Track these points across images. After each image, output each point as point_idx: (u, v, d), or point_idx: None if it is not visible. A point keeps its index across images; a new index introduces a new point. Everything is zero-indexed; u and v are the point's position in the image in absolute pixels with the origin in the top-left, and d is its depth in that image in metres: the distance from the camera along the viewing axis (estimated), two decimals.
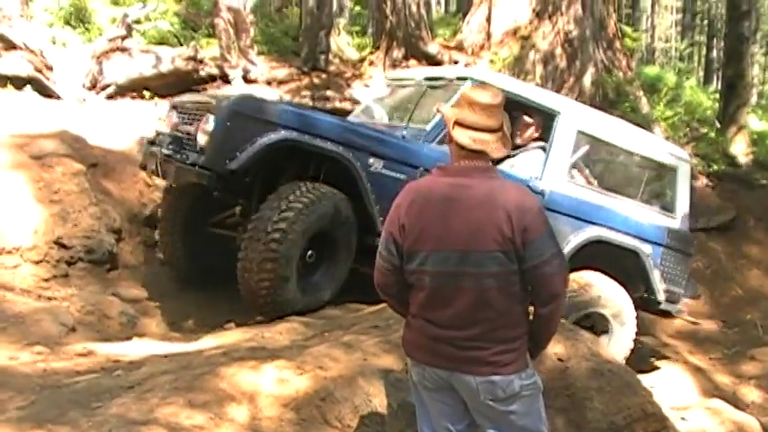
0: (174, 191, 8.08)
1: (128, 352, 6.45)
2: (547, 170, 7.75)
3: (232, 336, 6.04)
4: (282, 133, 6.60)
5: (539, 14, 14.35)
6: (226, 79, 12.66)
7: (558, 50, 14.10)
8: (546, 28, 14.23)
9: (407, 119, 7.61)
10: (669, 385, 8.59)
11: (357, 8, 21.07)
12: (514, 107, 7.66)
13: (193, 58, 12.41)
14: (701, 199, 12.94)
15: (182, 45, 13.38)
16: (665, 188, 8.85)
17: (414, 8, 14.53)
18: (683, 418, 6.67)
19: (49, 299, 7.33)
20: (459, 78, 7.65)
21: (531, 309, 3.53)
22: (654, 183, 8.90)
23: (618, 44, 15.26)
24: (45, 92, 10.95)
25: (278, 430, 4.29)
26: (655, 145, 8.80)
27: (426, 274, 3.42)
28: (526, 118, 7.96)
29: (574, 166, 8.07)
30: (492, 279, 3.32)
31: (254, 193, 7.07)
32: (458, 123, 3.48)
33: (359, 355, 4.83)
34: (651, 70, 21.10)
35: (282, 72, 13.59)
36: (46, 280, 7.62)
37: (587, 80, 13.96)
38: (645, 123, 12.79)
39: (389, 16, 14.54)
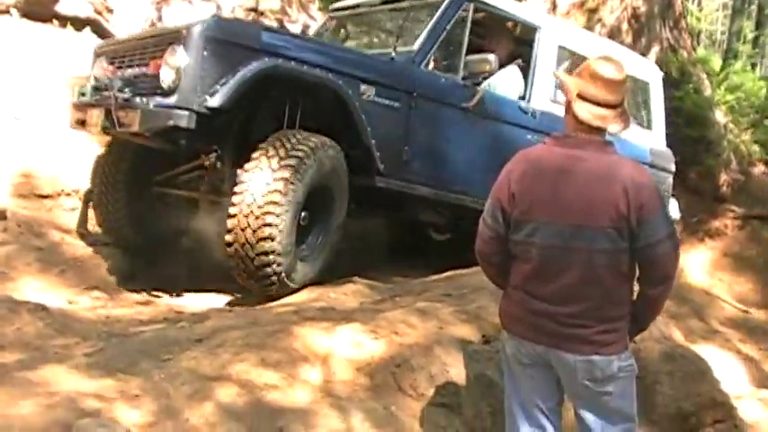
0: (110, 147, 7.09)
1: (186, 303, 6.43)
2: (534, 90, 7.45)
3: (299, 295, 5.94)
4: (267, 60, 5.81)
5: None
6: None
7: (625, 26, 13.80)
8: (614, 2, 13.90)
9: (395, 42, 6.87)
10: (720, 374, 8.46)
11: None
12: (492, 21, 7.63)
13: (254, 9, 12.31)
14: (758, 186, 12.74)
15: None
16: (639, 105, 8.65)
17: None
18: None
19: (106, 244, 7.28)
20: None
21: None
22: (630, 100, 8.55)
23: (683, 23, 14.93)
24: (104, 34, 10.85)
25: (351, 394, 4.20)
26: (628, 59, 8.25)
27: (534, 246, 3.30)
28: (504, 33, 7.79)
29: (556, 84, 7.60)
30: (602, 256, 3.20)
31: (228, 140, 6.22)
32: (579, 96, 3.34)
33: (435, 323, 4.73)
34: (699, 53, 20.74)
35: None
36: None
37: (652, 58, 13.67)
38: (707, 106, 12.57)
39: None
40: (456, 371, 4.35)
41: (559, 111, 7.09)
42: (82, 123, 6.54)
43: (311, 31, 10.69)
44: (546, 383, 3.45)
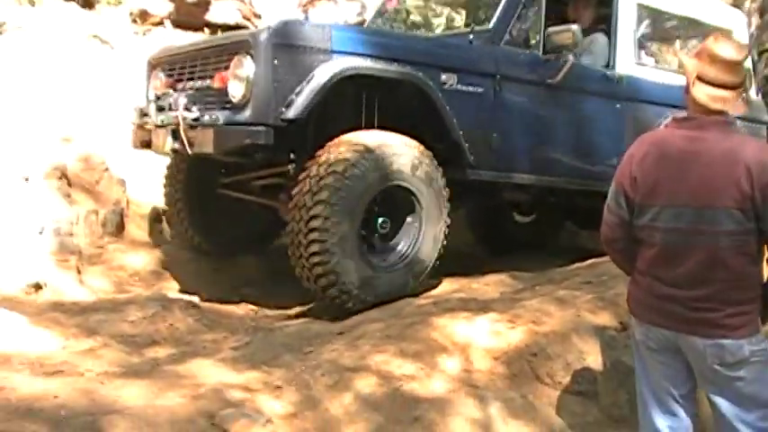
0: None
1: None
2: (617, 55, 6.99)
3: (441, 286, 6.01)
4: (341, 61, 5.46)
5: None
6: None
7: None
8: None
9: (471, 20, 6.62)
10: None
11: None
12: None
13: None
14: None
15: None
16: None
17: None
18: None
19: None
20: None
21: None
22: None
23: None
24: None
25: (488, 383, 4.23)
26: (710, 7, 7.97)
27: (657, 230, 3.26)
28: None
29: (639, 45, 7.30)
30: (727, 238, 3.13)
31: (305, 146, 5.71)
32: (699, 78, 3.29)
33: (572, 311, 4.70)
34: None
35: None
36: None
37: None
38: None
39: None
40: (593, 358, 4.33)
41: (645, 73, 7.04)
42: (147, 145, 6.18)
43: (369, 12, 10.26)
44: (677, 370, 3.40)
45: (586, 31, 6.94)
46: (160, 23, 10.70)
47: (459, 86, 5.94)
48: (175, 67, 6.28)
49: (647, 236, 3.31)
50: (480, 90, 6.06)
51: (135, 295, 5.79)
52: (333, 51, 5.46)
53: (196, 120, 5.51)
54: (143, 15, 10.85)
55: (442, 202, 5.80)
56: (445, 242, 5.84)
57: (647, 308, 3.38)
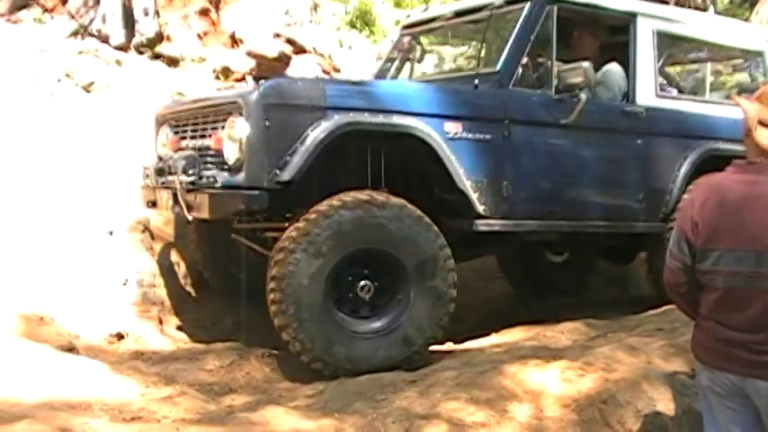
0: None
1: None
2: (636, 87, 6.66)
3: (514, 334, 6.03)
4: (337, 119, 5.27)
5: None
6: None
7: None
8: None
9: (477, 62, 6.40)
10: None
11: None
12: (582, 20, 6.74)
13: None
14: None
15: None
16: (755, 78, 7.73)
17: (698, 0, 13.89)
18: None
19: None
20: (509, 2, 6.33)
21: None
22: (742, 73, 8.01)
23: None
24: None
25: (559, 431, 4.24)
26: (736, 30, 7.66)
27: (719, 275, 3.26)
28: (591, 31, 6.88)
29: (660, 74, 7.01)
30: None
31: (310, 201, 5.37)
32: (761, 123, 3.30)
33: (643, 358, 4.69)
34: None
35: None
36: None
37: None
38: None
39: None
40: (663, 405, 4.29)
41: (668, 105, 6.78)
42: (153, 204, 6.10)
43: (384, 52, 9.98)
44: (744, 415, 3.37)
45: (598, 62, 6.75)
46: (242, 79, 10.94)
47: (464, 135, 5.74)
48: (180, 124, 6.20)
49: (709, 280, 3.31)
50: (488, 137, 5.86)
51: (213, 345, 5.91)
52: (327, 108, 5.30)
53: (193, 183, 5.41)
54: (225, 72, 11.12)
55: (440, 262, 5.45)
56: (451, 304, 5.51)
57: (711, 352, 3.37)
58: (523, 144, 6.07)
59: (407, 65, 7.62)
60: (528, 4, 6.18)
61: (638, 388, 4.39)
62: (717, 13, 14.88)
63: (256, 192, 5.16)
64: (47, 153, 7.07)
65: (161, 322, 6.37)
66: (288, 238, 5.15)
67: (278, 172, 5.15)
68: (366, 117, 5.38)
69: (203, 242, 6.69)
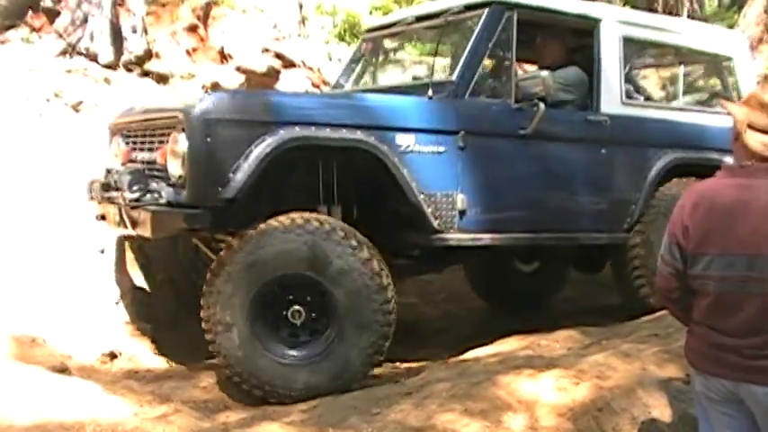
0: None
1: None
2: (601, 94, 6.47)
3: (509, 344, 6.02)
4: (282, 133, 5.11)
5: None
6: None
7: None
8: None
9: (431, 71, 6.17)
10: None
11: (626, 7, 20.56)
12: (544, 24, 6.55)
13: None
14: None
15: None
16: (726, 83, 7.55)
17: (686, 4, 13.95)
18: None
19: None
20: (467, 7, 6.16)
21: None
22: (712, 78, 7.76)
23: None
24: None
25: None
26: (706, 34, 7.44)
27: (711, 280, 3.26)
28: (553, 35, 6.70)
29: (627, 81, 6.81)
30: None
31: (262, 213, 5.29)
32: (750, 126, 3.29)
33: (638, 365, 4.69)
34: None
35: None
36: None
37: None
38: None
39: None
40: (659, 412, 4.28)
41: (635, 112, 6.64)
42: (103, 218, 5.97)
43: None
44: (740, 420, 3.36)
45: (559, 68, 6.57)
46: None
47: (417, 147, 5.58)
48: (130, 135, 6.08)
49: (701, 285, 3.31)
50: (442, 149, 5.70)
51: (208, 362, 5.89)
52: (273, 123, 5.16)
53: (137, 200, 5.22)
54: (215, 87, 11.09)
55: (373, 289, 5.20)
56: (389, 329, 5.30)
57: (704, 358, 3.36)
58: (480, 156, 5.92)
59: (370, 70, 7.47)
60: (486, 11, 6.00)
61: (634, 395, 4.38)
62: (704, 16, 15.00)
63: (199, 210, 5.04)
64: (36, 172, 7.04)
65: (154, 341, 6.33)
66: (215, 263, 5.10)
67: (221, 189, 5.01)
68: (313, 132, 5.24)
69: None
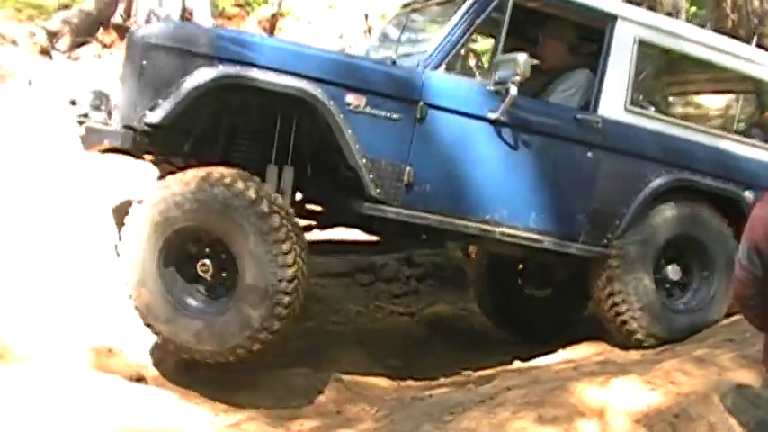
0: None
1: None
2: (602, 96, 5.97)
3: (580, 350, 5.98)
4: (220, 68, 4.95)
5: None
6: None
7: None
8: None
9: (397, 42, 5.99)
10: None
11: (693, 8, 20.23)
12: (549, 13, 6.16)
13: None
14: None
15: None
16: (765, 110, 6.73)
17: (756, 3, 13.69)
18: None
19: (401, 314, 7.67)
20: None
21: None
22: (750, 105, 6.90)
23: None
24: None
25: None
26: (744, 53, 6.53)
27: None
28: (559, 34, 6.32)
29: (640, 89, 6.28)
30: None
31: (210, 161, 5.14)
32: None
33: (713, 370, 4.62)
34: None
35: None
36: (397, 296, 7.99)
37: None
38: None
39: (730, 15, 13.82)
40: (736, 418, 4.23)
41: (637, 121, 6.00)
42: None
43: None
44: None
45: (570, 69, 6.29)
46: None
47: (367, 109, 5.30)
48: None
49: None
50: (396, 116, 5.39)
51: (280, 372, 5.93)
52: (215, 58, 4.98)
53: (85, 116, 5.30)
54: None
55: (271, 252, 4.88)
56: (296, 285, 4.97)
57: None
58: (438, 131, 5.57)
59: (394, 46, 6.93)
60: None
61: (710, 401, 4.33)
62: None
63: (122, 131, 4.99)
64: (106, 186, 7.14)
65: None
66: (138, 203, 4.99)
67: (147, 113, 4.91)
68: (254, 73, 5.01)
69: None
